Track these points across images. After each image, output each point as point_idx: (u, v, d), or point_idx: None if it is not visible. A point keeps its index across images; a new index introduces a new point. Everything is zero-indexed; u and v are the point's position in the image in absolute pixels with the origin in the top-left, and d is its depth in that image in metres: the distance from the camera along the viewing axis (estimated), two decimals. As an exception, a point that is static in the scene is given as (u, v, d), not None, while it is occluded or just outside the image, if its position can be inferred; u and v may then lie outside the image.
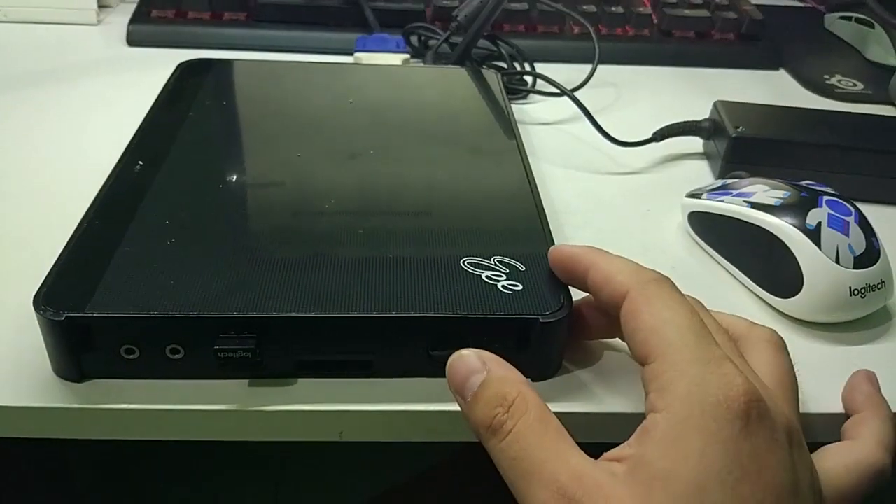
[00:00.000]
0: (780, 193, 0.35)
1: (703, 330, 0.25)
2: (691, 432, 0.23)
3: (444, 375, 0.29)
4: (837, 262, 0.33)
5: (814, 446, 0.28)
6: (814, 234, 0.33)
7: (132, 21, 0.58)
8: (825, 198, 0.35)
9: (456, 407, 0.29)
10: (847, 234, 0.33)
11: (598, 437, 0.27)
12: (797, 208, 0.34)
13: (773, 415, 0.24)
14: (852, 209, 0.35)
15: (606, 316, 0.30)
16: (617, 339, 0.31)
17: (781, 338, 0.29)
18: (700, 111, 0.48)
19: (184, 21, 0.59)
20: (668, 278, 0.27)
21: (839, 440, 0.29)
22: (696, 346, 0.24)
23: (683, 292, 0.27)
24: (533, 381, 0.30)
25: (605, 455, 0.24)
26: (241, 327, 0.27)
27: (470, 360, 0.27)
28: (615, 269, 0.28)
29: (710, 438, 0.23)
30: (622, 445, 0.24)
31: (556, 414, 0.25)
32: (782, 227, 0.34)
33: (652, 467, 0.23)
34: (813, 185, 0.36)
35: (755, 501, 0.22)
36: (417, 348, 0.29)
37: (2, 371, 0.29)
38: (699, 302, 0.29)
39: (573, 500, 0.23)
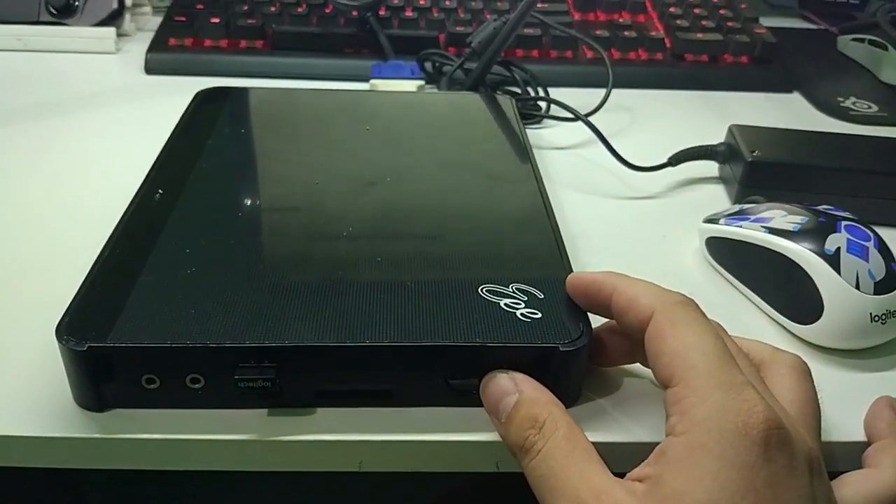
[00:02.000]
0: (799, 219, 0.35)
1: (727, 355, 0.25)
2: (707, 456, 0.23)
3: (463, 404, 0.29)
4: (857, 287, 0.33)
5: (834, 475, 0.27)
6: (833, 260, 0.33)
7: (150, 49, 0.59)
8: (844, 223, 0.34)
9: (475, 437, 0.29)
10: (867, 260, 0.33)
11: (619, 467, 0.27)
12: (816, 234, 0.34)
13: (794, 442, 0.24)
14: (871, 234, 0.34)
15: (626, 342, 0.30)
16: (637, 367, 0.31)
17: (806, 364, 0.29)
18: (714, 134, 0.48)
19: (201, 49, 0.60)
20: (692, 300, 0.27)
21: (860, 468, 0.29)
22: (718, 372, 0.25)
23: (703, 318, 0.27)
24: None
25: (629, 475, 0.25)
26: (261, 357, 0.28)
27: (503, 382, 0.28)
28: (639, 291, 0.28)
29: (725, 463, 0.23)
30: (641, 465, 0.25)
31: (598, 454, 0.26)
32: (801, 253, 0.34)
33: (666, 487, 0.23)
34: (831, 209, 0.36)
35: None
36: (436, 377, 0.29)
37: (23, 400, 0.29)
38: (721, 326, 0.29)
39: None
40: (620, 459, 0.29)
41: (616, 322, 0.29)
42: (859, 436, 0.30)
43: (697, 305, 0.27)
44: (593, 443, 0.28)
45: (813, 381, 0.29)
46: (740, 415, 0.23)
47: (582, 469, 0.25)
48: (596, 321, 0.30)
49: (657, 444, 0.25)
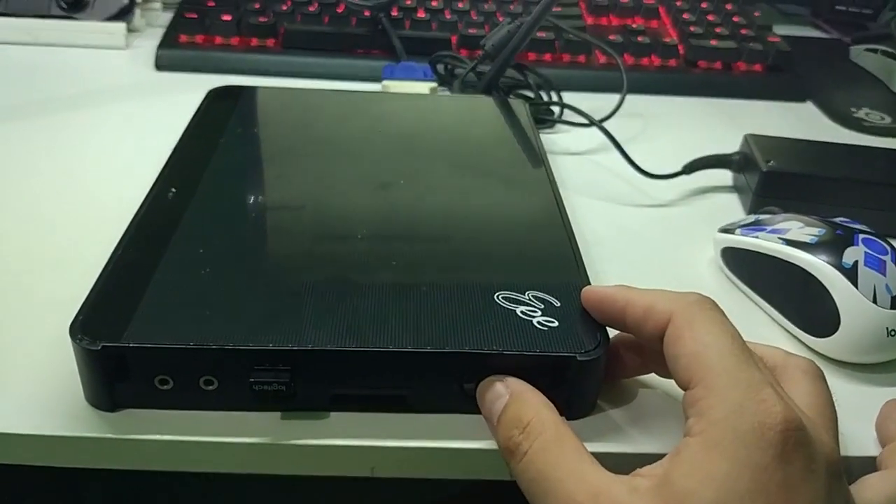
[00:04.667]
0: (816, 231, 0.35)
1: (745, 354, 0.25)
2: (720, 456, 0.23)
3: (477, 411, 0.29)
4: (875, 302, 0.32)
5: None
6: (851, 274, 0.33)
7: (161, 46, 0.59)
8: (861, 236, 0.34)
9: (490, 445, 0.29)
10: (884, 274, 0.33)
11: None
12: (833, 246, 0.34)
13: (813, 444, 0.24)
14: (888, 248, 0.34)
15: (639, 354, 0.30)
16: (653, 377, 0.31)
17: (819, 367, 0.29)
18: (727, 142, 0.48)
19: (212, 46, 0.59)
20: (709, 298, 0.27)
21: None
22: (736, 371, 0.24)
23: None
24: (567, 419, 0.29)
25: (637, 471, 0.25)
26: (276, 360, 0.27)
27: (495, 386, 0.28)
28: (655, 299, 0.27)
29: (737, 463, 0.23)
30: (655, 464, 0.25)
31: (591, 454, 0.25)
32: (819, 266, 0.33)
33: (675, 486, 0.23)
34: (847, 222, 0.36)
35: None
36: (452, 384, 0.29)
37: (34, 399, 0.29)
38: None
39: None
40: (632, 471, 0.28)
41: (634, 335, 0.29)
42: (875, 450, 0.30)
43: (715, 303, 0.27)
44: (606, 453, 0.28)
45: (827, 385, 0.28)
46: (757, 415, 0.23)
47: (574, 470, 0.25)
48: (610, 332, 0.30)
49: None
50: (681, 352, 0.26)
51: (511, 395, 0.27)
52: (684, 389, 0.25)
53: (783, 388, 0.27)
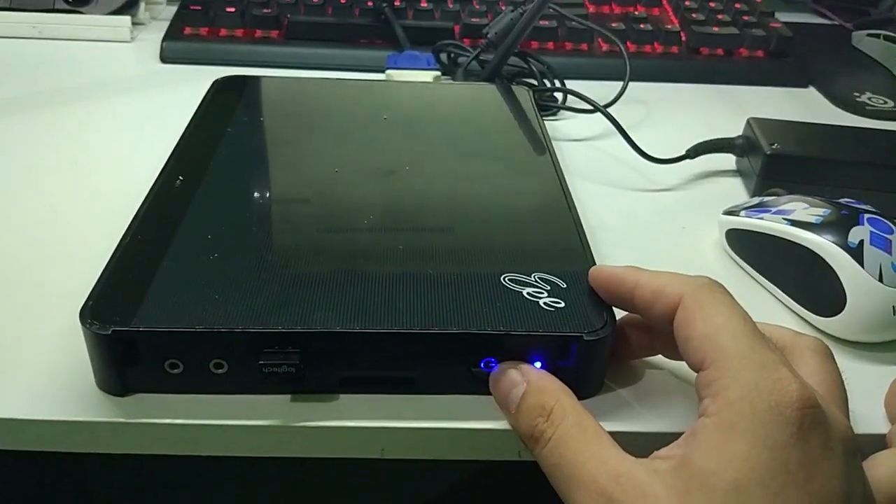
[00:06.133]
0: (821, 211, 0.35)
1: (757, 335, 0.25)
2: (738, 436, 0.23)
3: (485, 392, 0.29)
4: (881, 280, 0.32)
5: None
6: (856, 253, 0.33)
7: (165, 38, 0.59)
8: (866, 215, 0.34)
9: (498, 425, 0.29)
10: (890, 253, 0.33)
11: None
12: (838, 226, 0.34)
13: (830, 422, 0.24)
14: (894, 227, 0.34)
15: (647, 334, 0.30)
16: (659, 358, 0.31)
17: (827, 346, 0.29)
18: (730, 128, 0.48)
19: (216, 38, 0.60)
20: (718, 283, 0.27)
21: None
22: (749, 352, 0.25)
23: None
24: (575, 398, 0.30)
25: (655, 453, 0.25)
26: (286, 342, 0.28)
27: (511, 374, 0.28)
28: (664, 281, 0.28)
29: (756, 442, 0.23)
30: (671, 446, 0.25)
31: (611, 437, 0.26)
32: (824, 246, 0.33)
33: (694, 467, 0.23)
34: (852, 202, 0.36)
35: None
36: (459, 365, 0.29)
37: (44, 384, 0.29)
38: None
39: (612, 499, 0.24)
40: (641, 450, 0.29)
41: (641, 316, 0.29)
42: (884, 428, 0.30)
43: (724, 287, 0.27)
44: (614, 432, 0.28)
45: (836, 363, 0.29)
46: (773, 394, 0.23)
47: (596, 453, 0.25)
48: (617, 313, 0.30)
49: (678, 434, 0.25)
50: (692, 334, 0.26)
51: (528, 382, 0.28)
52: (696, 371, 0.26)
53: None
